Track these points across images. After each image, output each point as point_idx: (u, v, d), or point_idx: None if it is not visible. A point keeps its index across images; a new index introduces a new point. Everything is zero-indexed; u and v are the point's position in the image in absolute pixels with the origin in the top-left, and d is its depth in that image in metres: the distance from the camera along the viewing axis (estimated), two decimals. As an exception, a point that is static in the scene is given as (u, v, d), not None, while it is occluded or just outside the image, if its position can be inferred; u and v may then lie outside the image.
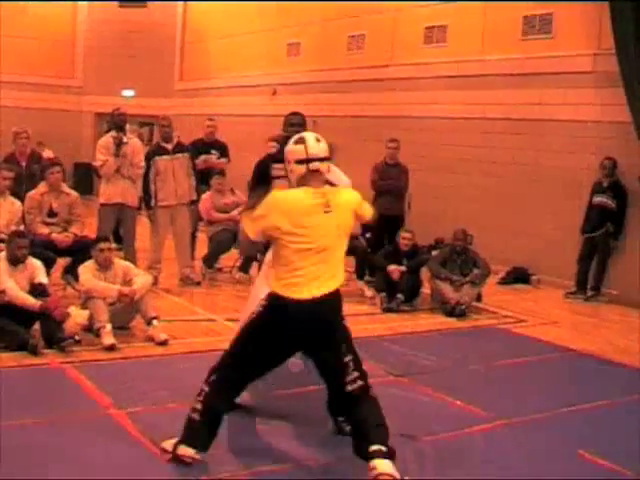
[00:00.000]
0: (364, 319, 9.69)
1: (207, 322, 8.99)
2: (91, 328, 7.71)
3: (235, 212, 11.68)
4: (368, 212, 5.27)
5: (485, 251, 11.06)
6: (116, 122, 10.72)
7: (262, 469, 5.08)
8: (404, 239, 10.59)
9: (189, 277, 10.86)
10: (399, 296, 10.18)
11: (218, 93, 20.94)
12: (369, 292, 10.96)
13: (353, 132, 15.75)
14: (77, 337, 7.52)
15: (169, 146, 10.75)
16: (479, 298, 10.64)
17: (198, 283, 10.84)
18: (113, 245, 8.75)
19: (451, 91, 14.30)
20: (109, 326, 7.64)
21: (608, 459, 5.52)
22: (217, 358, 5.10)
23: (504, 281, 12.56)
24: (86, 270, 8.04)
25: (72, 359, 7.19)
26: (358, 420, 4.96)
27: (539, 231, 12.50)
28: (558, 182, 12.30)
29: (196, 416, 5.00)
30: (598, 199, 11.49)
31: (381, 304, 10.27)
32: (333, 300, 5.03)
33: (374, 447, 4.77)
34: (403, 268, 10.35)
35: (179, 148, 10.84)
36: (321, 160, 4.99)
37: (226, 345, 5.18)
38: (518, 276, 12.66)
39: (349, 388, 4.95)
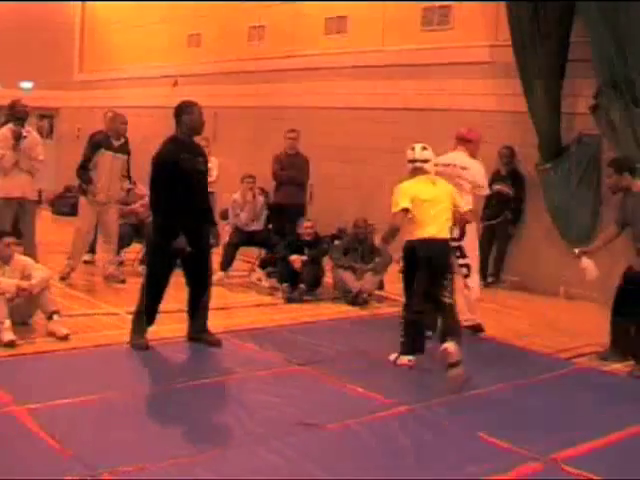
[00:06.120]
0: (267, 309, 9.72)
1: (109, 316, 8.85)
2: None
3: (136, 205, 11.49)
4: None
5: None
6: (17, 115, 10.37)
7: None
8: (306, 228, 10.59)
9: (113, 274, 10.60)
10: (301, 286, 10.18)
11: (119, 85, 20.58)
12: (266, 282, 10.97)
13: (255, 123, 15.70)
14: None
15: (116, 143, 10.46)
16: (381, 286, 10.68)
17: (123, 281, 10.50)
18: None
19: (352, 81, 14.35)
20: (8, 322, 7.42)
21: (507, 440, 5.59)
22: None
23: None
24: (-17, 266, 7.87)
25: (-30, 356, 6.98)
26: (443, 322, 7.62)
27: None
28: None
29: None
30: (497, 187, 11.65)
31: (283, 294, 10.24)
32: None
33: (449, 338, 7.14)
34: (305, 258, 10.35)
35: (124, 148, 10.59)
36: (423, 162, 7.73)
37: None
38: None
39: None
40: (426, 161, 7.75)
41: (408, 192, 7.57)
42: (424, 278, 7.43)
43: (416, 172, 7.71)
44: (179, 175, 7.38)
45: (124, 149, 10.59)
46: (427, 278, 7.43)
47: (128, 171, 10.73)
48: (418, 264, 7.43)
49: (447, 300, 7.47)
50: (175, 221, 7.40)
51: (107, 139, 10.40)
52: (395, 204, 7.52)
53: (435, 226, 7.51)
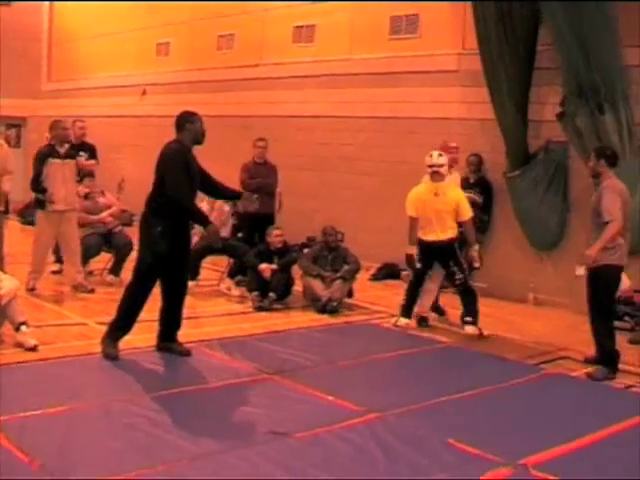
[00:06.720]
0: (237, 318, 9.69)
1: (78, 326, 8.79)
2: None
3: (105, 214, 11.40)
4: (464, 213, 9.44)
5: (356, 248, 11.17)
6: None
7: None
8: (275, 237, 10.56)
9: (82, 284, 10.50)
10: (271, 294, 10.16)
11: (87, 94, 20.50)
12: (236, 291, 10.96)
13: (224, 131, 15.64)
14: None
15: (62, 150, 10.35)
16: (351, 294, 10.68)
17: (92, 290, 10.41)
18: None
19: (320, 90, 14.40)
20: (-24, 334, 7.36)
21: (477, 446, 5.61)
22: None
23: (375, 277, 12.70)
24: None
25: (-64, 368, 6.89)
26: (462, 301, 9.52)
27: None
28: (426, 179, 12.50)
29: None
30: (465, 194, 11.68)
31: (253, 303, 10.21)
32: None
33: (466, 318, 9.36)
34: (274, 266, 10.33)
35: (70, 153, 10.48)
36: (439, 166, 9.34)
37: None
38: (389, 272, 12.80)
39: (456, 283, 9.43)
40: (441, 166, 9.34)
41: (412, 201, 9.40)
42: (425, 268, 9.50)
43: (434, 176, 9.34)
44: (186, 174, 7.46)
45: (71, 154, 10.47)
46: (426, 269, 9.51)
47: (79, 174, 10.74)
48: (421, 258, 9.39)
49: (458, 282, 9.38)
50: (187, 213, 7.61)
51: (52, 149, 10.28)
52: (407, 210, 9.40)
53: (432, 233, 9.28)
